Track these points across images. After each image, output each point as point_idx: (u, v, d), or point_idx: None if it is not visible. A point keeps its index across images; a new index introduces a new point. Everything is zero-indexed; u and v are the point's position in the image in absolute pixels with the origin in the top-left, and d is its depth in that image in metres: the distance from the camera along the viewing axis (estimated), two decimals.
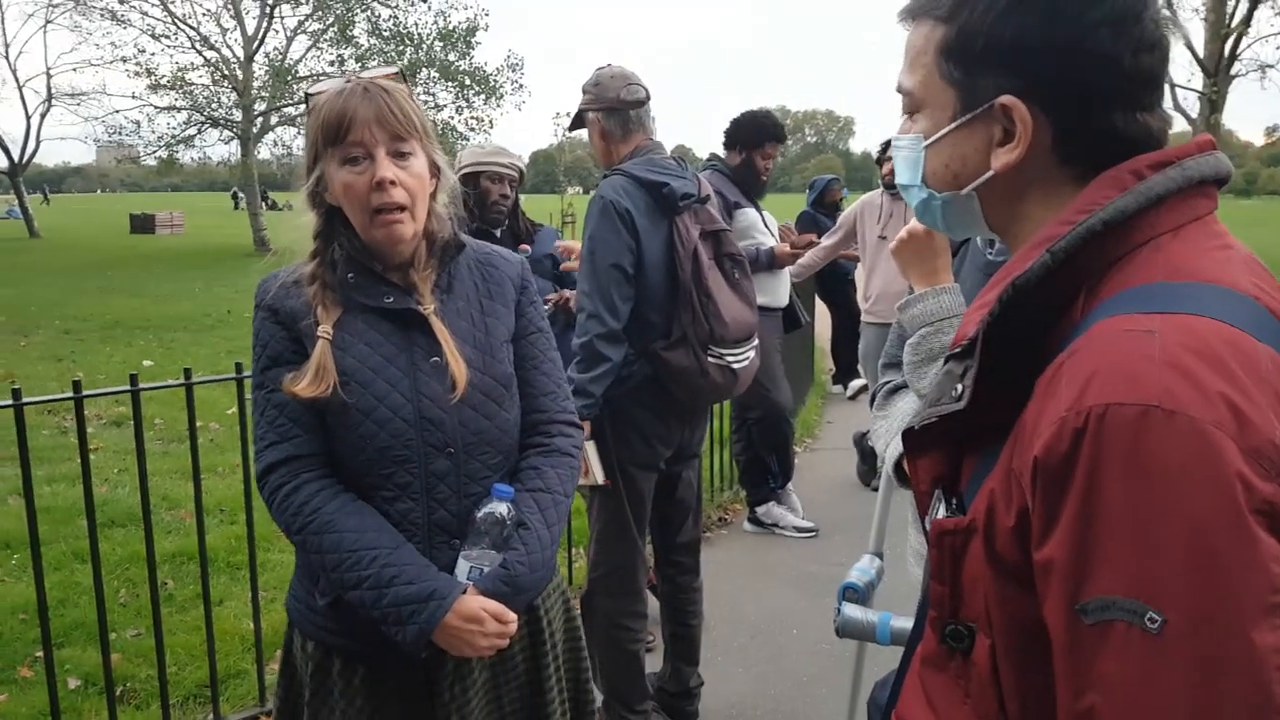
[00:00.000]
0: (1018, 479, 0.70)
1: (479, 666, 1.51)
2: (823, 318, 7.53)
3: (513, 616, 1.42)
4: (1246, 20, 15.18)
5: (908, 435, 0.84)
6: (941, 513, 0.81)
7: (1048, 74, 0.77)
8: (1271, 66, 16.17)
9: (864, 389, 6.92)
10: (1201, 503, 0.61)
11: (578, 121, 2.69)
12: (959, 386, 0.77)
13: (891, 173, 4.58)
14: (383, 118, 1.38)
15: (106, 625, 2.45)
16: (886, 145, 4.70)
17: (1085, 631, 0.65)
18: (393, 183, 1.39)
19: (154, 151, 22.32)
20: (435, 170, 1.48)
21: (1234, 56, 15.46)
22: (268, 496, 1.44)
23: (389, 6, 21.40)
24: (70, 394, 2.35)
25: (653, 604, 3.06)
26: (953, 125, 0.83)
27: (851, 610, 1.70)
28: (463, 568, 1.43)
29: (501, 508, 1.44)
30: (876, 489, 5.15)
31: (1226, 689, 0.61)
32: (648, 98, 2.61)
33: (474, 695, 1.50)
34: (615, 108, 2.57)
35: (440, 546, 1.44)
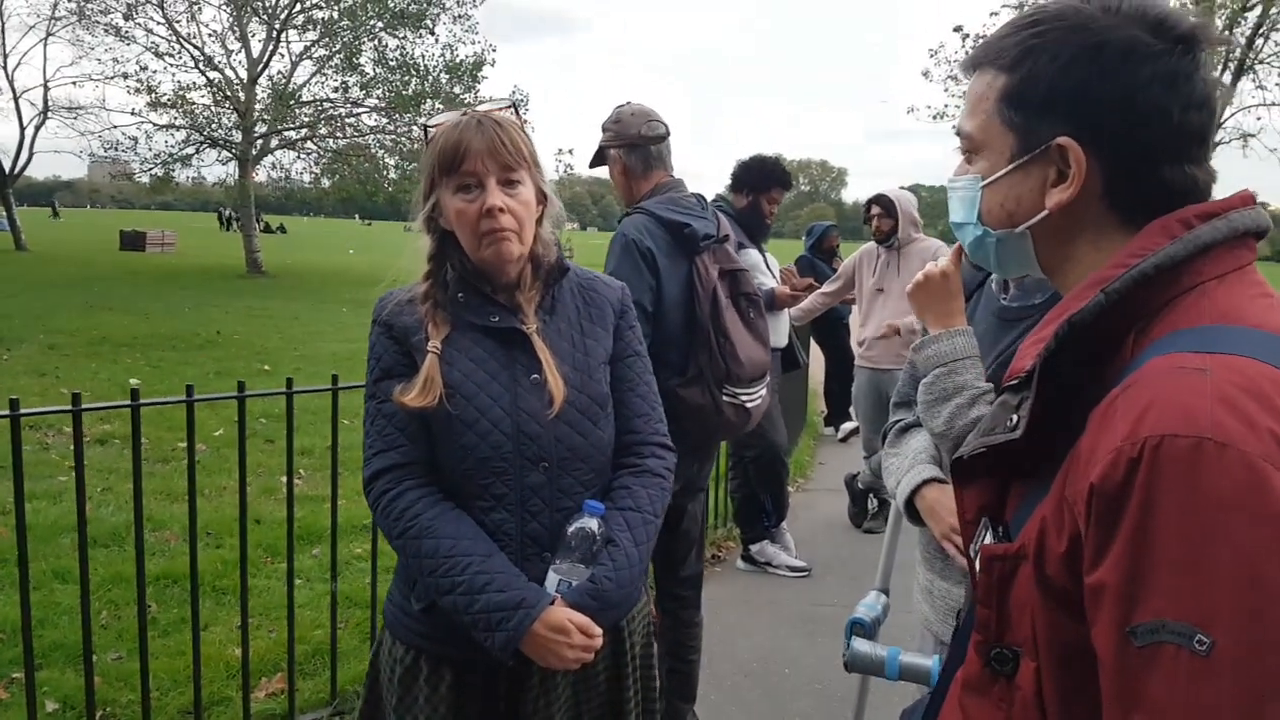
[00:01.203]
0: (1070, 506, 0.73)
1: (563, 682, 1.54)
2: (816, 360, 7.57)
3: (598, 631, 1.44)
4: (1230, 91, 15.62)
5: (957, 464, 0.87)
6: (989, 539, 0.83)
7: (1103, 123, 0.81)
8: (1253, 135, 16.65)
9: (855, 431, 6.94)
10: (1250, 531, 0.64)
11: (599, 159, 2.73)
12: (1014, 417, 0.81)
13: (880, 228, 4.70)
14: (494, 149, 1.47)
15: (91, 647, 2.40)
16: (870, 204, 4.78)
17: (1134, 654, 0.67)
18: (501, 210, 1.47)
19: (149, 169, 22.31)
20: (542, 198, 1.56)
21: (1218, 125, 15.92)
22: (372, 502, 1.50)
23: (396, 37, 21.64)
24: (69, 407, 2.33)
25: None
26: (1011, 166, 0.87)
27: (860, 645, 1.70)
28: (552, 580, 1.46)
29: (592, 523, 1.48)
30: (868, 530, 5.24)
31: (1272, 710, 0.63)
32: (667, 133, 2.66)
33: (557, 710, 1.53)
34: (636, 144, 2.62)
35: (532, 558, 1.49)
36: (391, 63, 21.63)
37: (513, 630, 1.39)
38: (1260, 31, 15.71)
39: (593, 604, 1.46)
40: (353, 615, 3.53)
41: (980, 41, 0.92)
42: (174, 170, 22.42)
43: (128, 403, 2.41)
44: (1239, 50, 15.51)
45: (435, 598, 1.45)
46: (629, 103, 2.71)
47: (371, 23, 21.32)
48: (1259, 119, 17.17)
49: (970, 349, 1.59)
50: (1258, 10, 15.46)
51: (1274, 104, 16.81)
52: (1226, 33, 14.42)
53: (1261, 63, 16.22)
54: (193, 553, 2.64)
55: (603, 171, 2.79)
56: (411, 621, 1.53)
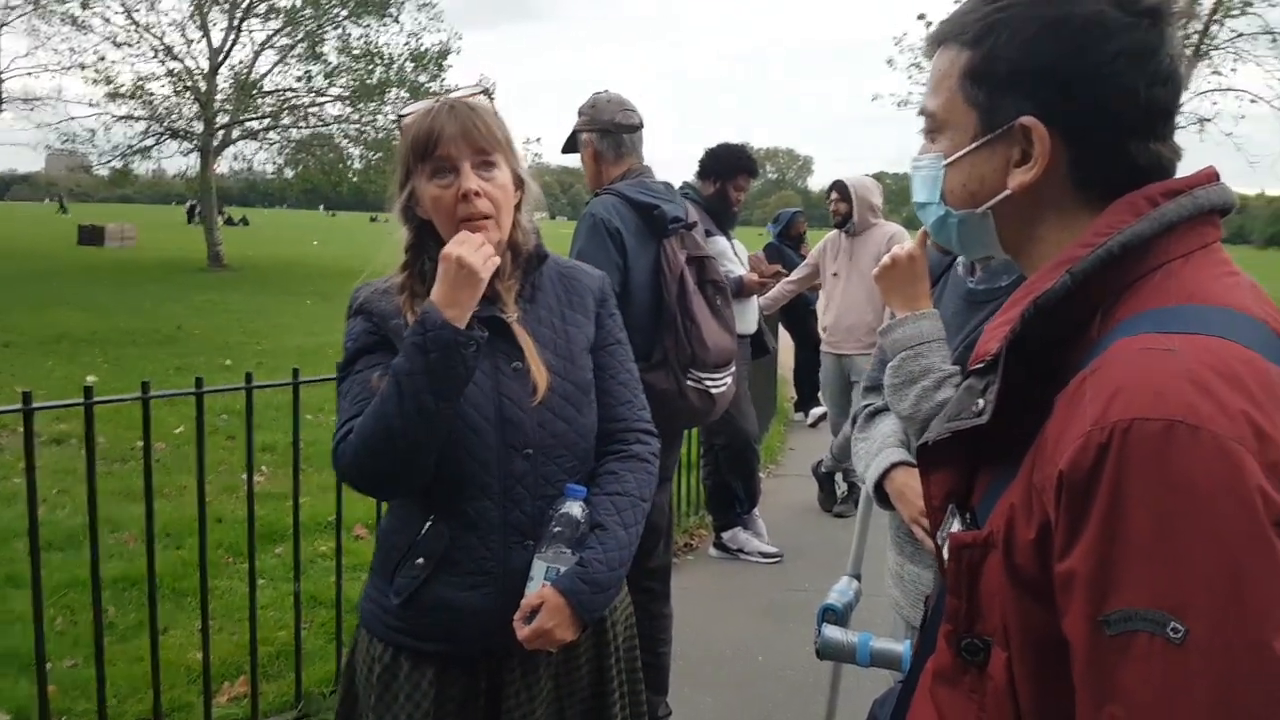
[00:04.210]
0: (1039, 493, 0.72)
1: (545, 675, 1.52)
2: (785, 346, 7.59)
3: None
4: (1189, 74, 15.90)
5: (922, 450, 0.85)
6: (957, 527, 0.82)
7: (1067, 100, 0.79)
8: (1209, 120, 16.95)
9: (825, 416, 6.99)
10: (1224, 516, 0.63)
11: (570, 144, 2.73)
12: (980, 401, 0.79)
13: (837, 211, 4.78)
14: (467, 133, 1.45)
15: (44, 654, 2.33)
16: (831, 189, 4.90)
17: (1107, 643, 0.66)
18: (477, 194, 1.45)
19: (108, 161, 21.85)
20: (519, 183, 1.54)
21: (1179, 108, 16.23)
22: (338, 461, 1.46)
23: (360, 25, 21.35)
24: (19, 406, 2.25)
25: None
26: (973, 145, 0.85)
27: (832, 632, 1.69)
28: (539, 568, 1.44)
29: (575, 508, 1.47)
30: (838, 514, 5.30)
31: (1248, 698, 0.62)
32: (641, 125, 2.67)
33: (539, 705, 1.51)
34: (610, 130, 2.62)
35: (514, 547, 1.47)
36: (355, 51, 21.35)
37: (431, 316, 1.36)
38: (1215, 17, 16.01)
39: (585, 589, 1.44)
40: (317, 615, 3.47)
41: (944, 17, 0.90)
42: (133, 162, 21.98)
43: (80, 401, 2.34)
44: (1195, 36, 15.76)
45: (405, 418, 1.38)
46: (606, 90, 2.73)
47: (335, 11, 21.01)
48: (1214, 104, 17.48)
49: (936, 332, 1.59)
50: None
51: (1229, 89, 17.12)
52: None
53: (1216, 49, 16.54)
54: (150, 554, 2.57)
55: (573, 159, 2.80)
56: (390, 618, 1.49)
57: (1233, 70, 17.67)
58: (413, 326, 1.39)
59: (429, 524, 1.48)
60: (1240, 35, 16.50)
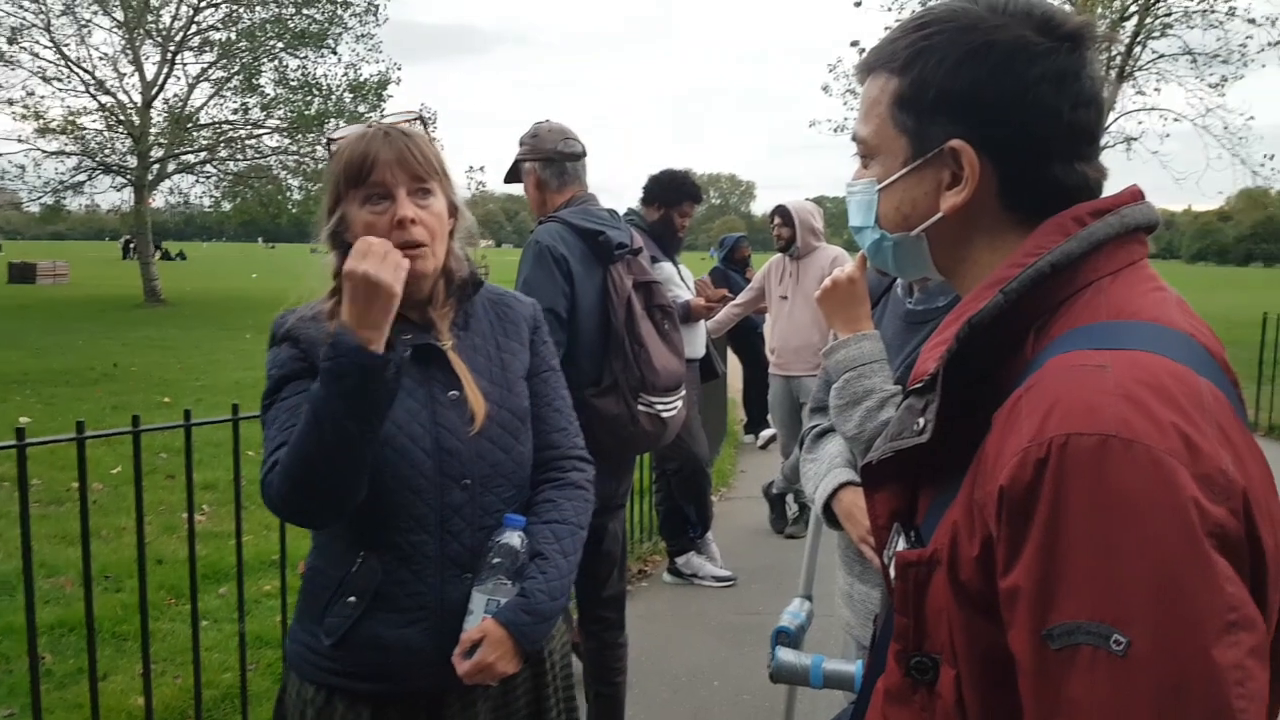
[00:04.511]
0: (980, 510, 0.72)
1: (483, 710, 1.49)
2: (734, 369, 7.65)
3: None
4: (1114, 95, 16.52)
5: (866, 470, 0.86)
6: (902, 545, 0.82)
7: (994, 124, 0.81)
8: (1136, 139, 17.59)
9: (775, 438, 7.04)
10: (1160, 526, 0.64)
11: (513, 174, 2.73)
12: (920, 420, 0.80)
13: (780, 236, 4.87)
14: (403, 159, 1.43)
15: None
16: (773, 214, 4.99)
17: (1052, 657, 0.66)
18: (413, 221, 1.42)
19: (39, 198, 21.21)
20: (453, 210, 1.52)
21: (1103, 129, 16.80)
22: (265, 492, 1.39)
23: (297, 57, 21.11)
24: None
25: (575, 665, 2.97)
26: (904, 170, 0.87)
27: (785, 655, 1.69)
28: (479, 601, 1.41)
29: (515, 538, 1.44)
30: (790, 536, 5.33)
31: (1190, 706, 0.62)
32: (584, 153, 2.68)
33: None
34: (552, 159, 2.63)
35: (452, 580, 1.44)
36: (293, 83, 21.07)
37: (342, 341, 1.30)
38: (1137, 40, 16.67)
39: (527, 619, 1.42)
40: (263, 656, 3.38)
41: (873, 46, 0.92)
42: (65, 198, 21.36)
43: (13, 443, 2.25)
44: (1119, 58, 16.39)
45: (325, 447, 1.32)
46: (548, 120, 2.74)
47: (271, 43, 20.75)
48: (1140, 123, 18.14)
49: (878, 352, 1.61)
50: (1134, 20, 16.44)
51: (1153, 108, 17.80)
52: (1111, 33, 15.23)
53: (1141, 69, 17.21)
54: (88, 598, 2.47)
55: (517, 188, 2.80)
56: (321, 659, 1.45)
57: (1156, 90, 18.39)
58: (325, 351, 1.33)
59: (360, 560, 1.43)
60: (1162, 56, 17.14)
